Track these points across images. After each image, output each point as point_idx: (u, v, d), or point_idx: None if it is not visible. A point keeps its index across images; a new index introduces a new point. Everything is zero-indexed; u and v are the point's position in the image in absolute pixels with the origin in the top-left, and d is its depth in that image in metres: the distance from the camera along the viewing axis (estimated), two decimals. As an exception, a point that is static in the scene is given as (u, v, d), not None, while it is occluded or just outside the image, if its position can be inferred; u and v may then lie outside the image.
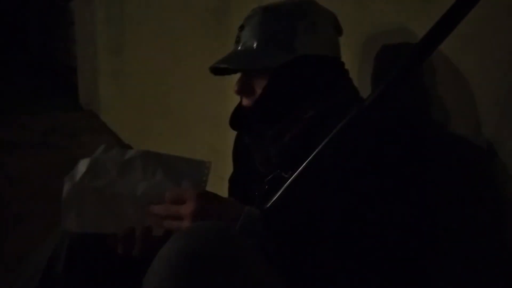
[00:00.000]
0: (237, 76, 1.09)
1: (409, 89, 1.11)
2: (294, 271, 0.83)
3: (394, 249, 0.85)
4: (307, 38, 1.02)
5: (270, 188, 1.01)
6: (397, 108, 0.99)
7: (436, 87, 1.08)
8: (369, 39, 1.25)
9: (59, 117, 4.96)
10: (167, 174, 0.93)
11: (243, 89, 1.05)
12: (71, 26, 5.95)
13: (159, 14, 3.02)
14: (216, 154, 2.15)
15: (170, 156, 0.96)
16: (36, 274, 0.96)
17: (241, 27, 1.07)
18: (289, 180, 0.91)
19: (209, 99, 2.31)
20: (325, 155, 0.90)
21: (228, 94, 1.98)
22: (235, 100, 1.12)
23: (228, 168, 1.27)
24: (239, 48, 1.06)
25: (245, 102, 1.07)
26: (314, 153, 0.90)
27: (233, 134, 1.25)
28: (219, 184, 1.22)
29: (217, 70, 1.12)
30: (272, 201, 0.91)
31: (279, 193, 0.91)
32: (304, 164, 0.90)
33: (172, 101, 2.85)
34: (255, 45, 1.03)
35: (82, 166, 0.93)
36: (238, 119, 1.10)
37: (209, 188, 0.95)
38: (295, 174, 0.91)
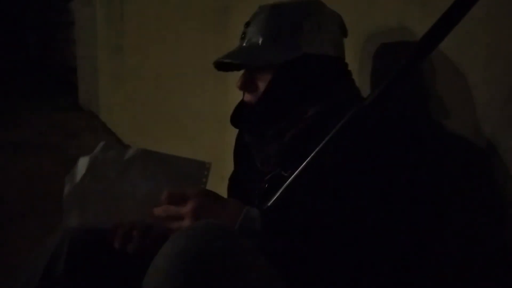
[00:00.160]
0: (239, 73, 1.09)
1: (409, 89, 1.11)
2: (293, 270, 0.83)
3: (393, 248, 0.85)
4: (312, 37, 1.02)
5: (270, 187, 1.01)
6: (396, 107, 0.99)
7: (435, 86, 1.08)
8: (369, 39, 1.25)
9: (59, 117, 4.97)
10: (167, 174, 0.93)
11: (246, 84, 1.05)
12: (71, 26, 5.96)
13: (158, 14, 3.02)
14: (216, 154, 2.15)
15: (170, 156, 0.96)
16: (36, 274, 0.96)
17: (247, 24, 1.07)
18: (289, 180, 0.91)
19: (209, 99, 2.31)
20: (324, 154, 0.90)
21: (228, 94, 1.99)
22: (235, 100, 1.13)
23: (228, 168, 1.27)
24: (244, 44, 1.07)
25: (248, 98, 1.07)
26: (314, 152, 0.90)
27: (233, 134, 1.25)
28: (219, 184, 1.22)
29: (221, 66, 1.12)
30: (272, 200, 0.91)
31: (278, 192, 0.91)
32: (303, 163, 0.90)
33: (172, 101, 2.85)
34: (260, 41, 1.04)
35: (82, 165, 0.93)
36: (239, 116, 1.10)
37: (209, 187, 0.95)
38: (295, 173, 0.91)
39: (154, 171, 0.94)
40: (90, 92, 5.15)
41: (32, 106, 5.47)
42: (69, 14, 6.06)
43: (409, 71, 0.90)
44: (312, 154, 0.90)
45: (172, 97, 2.84)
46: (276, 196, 0.91)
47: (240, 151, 1.21)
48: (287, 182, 0.91)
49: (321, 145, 0.90)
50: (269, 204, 0.91)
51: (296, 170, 0.91)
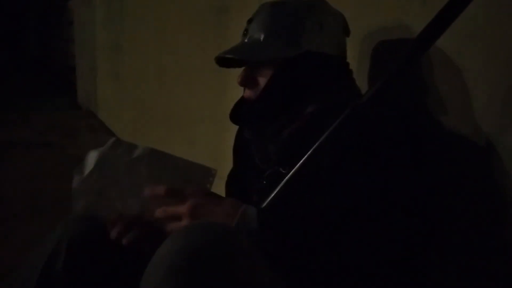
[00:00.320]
0: (239, 73, 1.09)
1: (407, 87, 1.12)
2: (291, 269, 0.84)
3: (392, 246, 0.85)
4: (314, 35, 1.03)
5: (268, 184, 1.02)
6: (394, 105, 1.00)
7: (434, 85, 1.08)
8: (368, 38, 1.25)
9: (58, 116, 4.97)
10: (172, 176, 0.94)
11: (247, 80, 1.06)
12: (70, 25, 5.96)
13: (158, 14, 3.02)
14: (215, 154, 2.15)
15: (178, 158, 0.96)
16: (35, 272, 0.96)
17: (250, 20, 1.08)
18: (286, 178, 0.91)
19: (208, 99, 2.31)
20: (322, 152, 0.90)
21: (227, 94, 1.99)
22: (234, 100, 1.13)
23: (227, 168, 1.27)
24: (246, 40, 1.07)
25: (248, 94, 1.07)
26: (311, 150, 0.90)
27: (232, 134, 1.25)
28: (218, 184, 1.22)
29: (223, 62, 1.12)
30: (269, 199, 0.91)
31: (276, 190, 0.91)
32: (301, 161, 0.91)
33: (171, 101, 2.85)
34: (262, 38, 1.04)
35: (91, 160, 0.95)
36: (239, 113, 1.10)
37: (209, 188, 0.95)
38: (293, 171, 0.91)
39: (160, 171, 0.94)
40: (89, 91, 5.15)
41: (31, 105, 5.47)
42: (68, 14, 6.05)
43: (406, 69, 0.90)
44: (309, 152, 0.90)
45: (171, 96, 2.84)
46: (274, 193, 0.91)
47: (240, 148, 1.21)
48: (284, 180, 0.91)
49: (318, 142, 0.90)
50: (267, 201, 0.91)
51: (294, 167, 0.91)
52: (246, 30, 1.08)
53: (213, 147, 2.21)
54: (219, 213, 0.86)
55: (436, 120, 1.07)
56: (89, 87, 5.11)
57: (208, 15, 2.26)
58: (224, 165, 1.29)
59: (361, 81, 1.20)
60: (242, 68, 1.08)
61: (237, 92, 1.12)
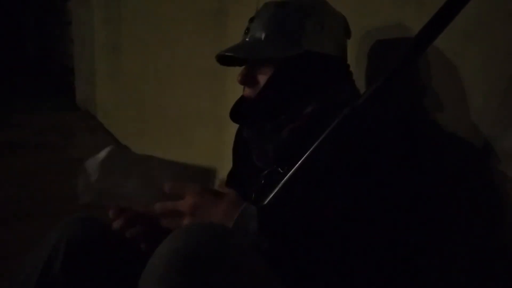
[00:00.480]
0: (240, 69, 1.09)
1: (405, 87, 1.12)
2: (290, 269, 0.84)
3: (390, 246, 0.85)
4: (314, 35, 1.04)
5: (266, 183, 1.02)
6: (392, 106, 1.00)
7: (432, 85, 1.09)
8: (368, 39, 1.26)
9: (56, 117, 4.96)
10: (174, 181, 0.94)
11: (247, 79, 1.06)
12: (68, 26, 5.95)
13: (156, 15, 3.02)
14: (214, 154, 2.15)
15: (176, 162, 0.96)
16: (35, 272, 0.96)
17: (252, 19, 1.09)
18: (285, 178, 0.92)
19: (207, 100, 2.31)
20: (320, 152, 0.91)
21: (226, 95, 1.99)
22: (234, 100, 1.13)
23: (226, 169, 1.27)
24: (247, 39, 1.08)
25: (247, 92, 1.08)
26: (309, 150, 0.91)
27: (231, 135, 1.25)
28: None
29: (223, 61, 1.13)
30: (268, 199, 0.91)
31: (275, 190, 0.92)
32: (300, 161, 0.91)
33: (169, 102, 2.85)
34: (263, 36, 1.05)
35: (93, 165, 0.94)
36: (238, 111, 1.11)
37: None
38: (291, 171, 0.91)
39: (161, 177, 0.94)
40: (88, 92, 5.14)
41: (29, 105, 5.46)
42: (66, 14, 6.04)
43: (403, 70, 0.91)
44: (307, 152, 0.91)
45: (170, 97, 2.84)
46: (272, 194, 0.91)
47: (239, 147, 1.21)
48: (283, 180, 0.91)
49: (316, 143, 0.91)
50: (265, 201, 0.91)
51: (292, 167, 0.91)
52: (247, 28, 1.08)
53: (212, 148, 2.21)
54: (219, 212, 0.87)
55: (433, 120, 1.07)
56: (88, 88, 5.10)
57: (207, 16, 2.26)
58: (223, 165, 1.30)
59: (359, 82, 1.21)
60: (243, 67, 1.09)
61: (237, 93, 1.12)
